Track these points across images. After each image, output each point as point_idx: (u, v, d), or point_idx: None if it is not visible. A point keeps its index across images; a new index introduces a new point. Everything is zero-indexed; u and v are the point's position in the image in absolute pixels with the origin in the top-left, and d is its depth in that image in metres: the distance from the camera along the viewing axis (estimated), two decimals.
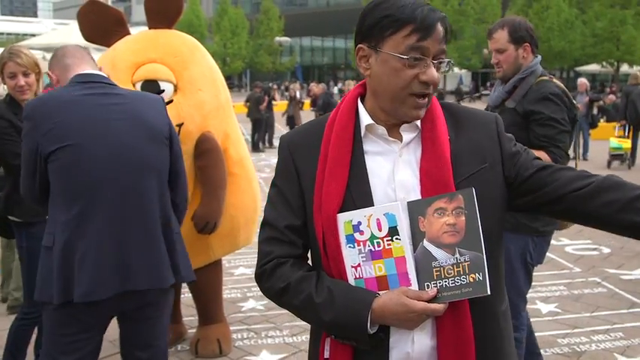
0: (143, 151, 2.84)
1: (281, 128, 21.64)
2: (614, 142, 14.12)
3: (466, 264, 1.57)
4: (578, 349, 4.58)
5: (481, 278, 1.55)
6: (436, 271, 1.58)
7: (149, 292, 2.86)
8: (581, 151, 14.57)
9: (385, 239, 1.59)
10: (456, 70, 46.88)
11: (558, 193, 1.68)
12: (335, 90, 25.96)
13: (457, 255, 1.58)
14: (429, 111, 1.70)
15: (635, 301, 5.56)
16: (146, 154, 2.85)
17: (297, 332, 4.86)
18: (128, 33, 4.23)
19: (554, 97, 3.40)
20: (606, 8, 39.82)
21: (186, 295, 5.01)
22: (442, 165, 1.64)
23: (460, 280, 1.57)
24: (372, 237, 1.60)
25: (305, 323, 5.21)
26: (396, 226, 1.58)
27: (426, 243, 1.60)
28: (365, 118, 1.71)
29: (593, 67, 42.77)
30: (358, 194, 1.65)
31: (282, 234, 1.72)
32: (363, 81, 1.78)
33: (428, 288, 1.58)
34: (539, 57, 3.61)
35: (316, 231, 1.67)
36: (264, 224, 1.78)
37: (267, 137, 18.72)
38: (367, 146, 1.71)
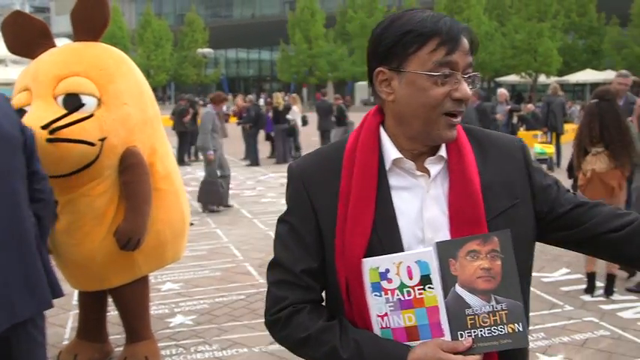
0: (11, 165, 2.57)
1: None
2: (539, 147, 14.98)
3: (503, 313, 1.45)
4: None
5: (521, 329, 1.44)
6: (470, 320, 1.45)
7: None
8: None
9: (416, 288, 1.46)
10: None
11: (595, 231, 1.60)
12: (261, 102, 25.92)
13: (493, 302, 1.45)
14: (455, 138, 1.56)
15: (556, 302, 5.77)
16: (14, 168, 2.59)
17: (226, 346, 4.83)
18: (53, 45, 4.13)
19: None
20: (524, 21, 41.25)
21: (111, 312, 4.90)
22: (473, 201, 1.52)
23: (497, 329, 1.45)
24: (402, 285, 1.46)
25: (235, 336, 5.17)
26: (429, 275, 1.45)
27: (458, 288, 1.46)
28: (392, 151, 1.56)
29: (513, 78, 44.16)
30: (386, 236, 1.51)
31: (297, 278, 1.57)
32: (376, 106, 1.64)
33: (461, 337, 1.45)
34: None
35: (338, 276, 1.53)
36: (276, 265, 1.62)
37: (193, 150, 18.54)
38: (393, 180, 1.56)
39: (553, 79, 36.74)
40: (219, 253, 7.75)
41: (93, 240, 3.97)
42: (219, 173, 10.54)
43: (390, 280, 1.47)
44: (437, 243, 1.48)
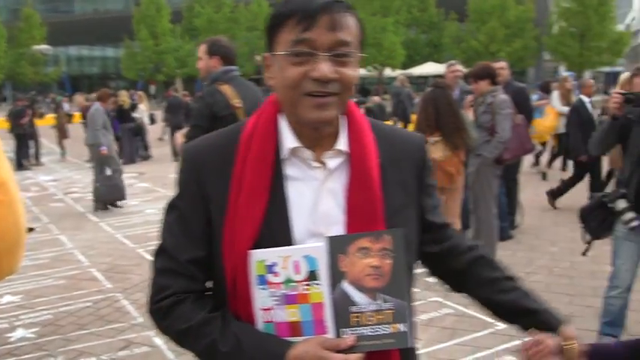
0: None
1: (49, 143, 20.43)
2: None
3: (389, 312, 1.42)
4: None
5: (403, 329, 1.42)
6: (355, 317, 1.42)
7: None
8: None
9: (303, 283, 1.41)
10: None
11: (444, 254, 1.68)
12: None
13: (380, 301, 1.42)
14: (357, 131, 1.53)
15: None
16: None
17: (72, 356, 4.60)
18: None
19: (197, 97, 4.81)
20: (369, 16, 42.60)
21: None
22: (372, 198, 1.48)
23: (381, 329, 1.42)
24: (288, 280, 1.41)
25: (82, 345, 4.94)
26: (316, 271, 1.41)
27: (345, 285, 1.42)
28: (289, 139, 1.49)
29: (360, 71, 45.34)
30: (276, 228, 1.46)
31: (182, 267, 1.50)
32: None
33: (345, 335, 1.42)
34: (225, 68, 4.61)
35: (225, 267, 1.47)
36: (161, 251, 1.54)
37: (34, 153, 17.57)
38: (289, 170, 1.50)
39: (398, 72, 38.26)
40: (63, 260, 7.36)
41: None
42: (108, 172, 10.29)
43: (276, 274, 1.42)
44: (328, 237, 1.43)
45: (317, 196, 1.49)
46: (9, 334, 5.10)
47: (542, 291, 5.59)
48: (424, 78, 44.00)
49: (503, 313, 1.72)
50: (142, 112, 17.68)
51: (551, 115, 11.26)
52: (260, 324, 1.46)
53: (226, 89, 4.47)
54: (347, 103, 1.51)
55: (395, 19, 43.38)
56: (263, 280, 1.43)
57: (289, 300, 1.43)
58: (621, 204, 4.12)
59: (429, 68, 41.18)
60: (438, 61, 43.05)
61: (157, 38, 48.23)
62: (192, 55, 47.13)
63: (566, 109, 11.07)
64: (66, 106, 22.27)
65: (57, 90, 53.89)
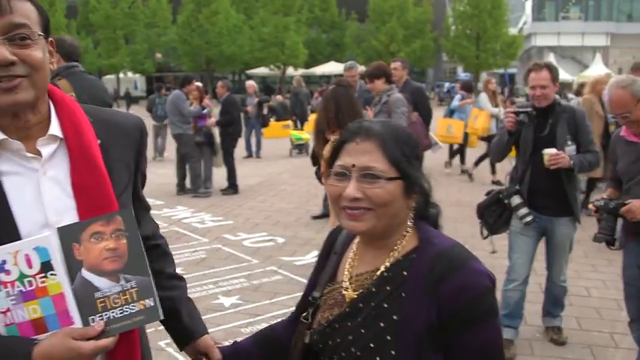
0: None
1: None
2: (295, 134, 16.41)
3: (133, 290, 1.45)
4: None
5: (152, 304, 1.46)
6: (100, 303, 1.43)
7: None
8: (254, 149, 15.51)
9: (38, 277, 1.39)
10: (130, 74, 46.37)
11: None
12: None
13: (122, 282, 1.45)
14: (69, 115, 1.53)
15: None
16: None
17: None
18: None
19: None
20: (270, 15, 42.65)
21: None
22: (98, 178, 1.48)
23: (129, 308, 1.45)
24: (22, 276, 1.38)
25: None
26: (49, 261, 1.39)
27: (84, 272, 1.42)
28: None
29: (263, 70, 45.48)
30: None
31: None
32: None
33: (93, 322, 1.42)
34: (67, 64, 4.61)
35: None
36: None
37: None
38: (2, 166, 1.45)
39: (300, 72, 38.47)
40: None
41: None
42: None
43: (8, 272, 1.38)
44: (58, 228, 1.43)
45: (38, 188, 1.46)
46: None
47: None
48: (327, 77, 44.54)
49: None
50: None
51: (481, 117, 11.40)
52: (1, 329, 1.40)
53: (62, 83, 4.47)
54: (43, 85, 1.48)
55: (297, 18, 43.62)
56: None
57: (27, 297, 1.40)
58: (516, 200, 4.29)
59: (331, 68, 41.67)
60: (340, 60, 43.63)
61: (51, 33, 46.49)
62: (87, 51, 45.83)
63: (496, 110, 11.28)
64: None
65: None
